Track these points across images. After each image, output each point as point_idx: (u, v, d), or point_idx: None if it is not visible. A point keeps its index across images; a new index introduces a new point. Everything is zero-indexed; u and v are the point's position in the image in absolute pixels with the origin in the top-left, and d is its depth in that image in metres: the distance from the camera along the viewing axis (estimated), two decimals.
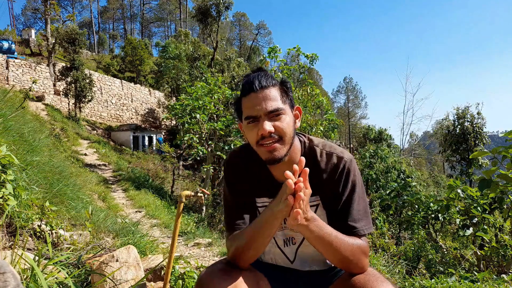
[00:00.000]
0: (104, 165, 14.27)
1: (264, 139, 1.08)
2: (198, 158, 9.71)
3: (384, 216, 9.21)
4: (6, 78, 19.28)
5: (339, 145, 1.28)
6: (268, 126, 1.07)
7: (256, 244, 1.09)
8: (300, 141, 1.23)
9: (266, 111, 1.08)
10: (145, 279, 1.99)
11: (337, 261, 1.07)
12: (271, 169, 1.23)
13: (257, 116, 1.09)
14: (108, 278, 1.69)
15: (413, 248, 5.82)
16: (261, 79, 1.11)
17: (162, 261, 2.38)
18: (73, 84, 19.75)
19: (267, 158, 1.11)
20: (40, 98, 19.75)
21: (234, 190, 1.25)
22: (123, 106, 26.60)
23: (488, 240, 4.44)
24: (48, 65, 21.76)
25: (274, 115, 1.09)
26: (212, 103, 9.00)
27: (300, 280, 1.27)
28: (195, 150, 8.76)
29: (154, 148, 22.29)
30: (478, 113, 19.20)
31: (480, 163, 17.24)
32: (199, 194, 1.85)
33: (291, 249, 1.26)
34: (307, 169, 0.94)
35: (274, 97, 1.10)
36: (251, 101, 1.11)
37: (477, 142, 18.70)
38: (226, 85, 13.44)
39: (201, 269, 2.42)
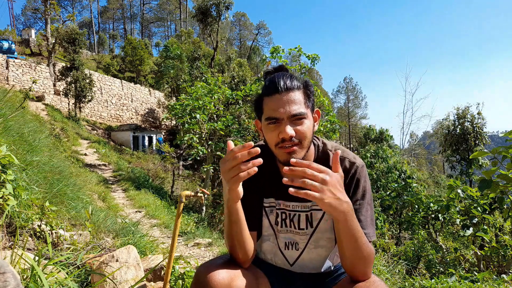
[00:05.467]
0: (104, 165, 14.27)
1: (284, 142, 1.08)
2: (198, 158, 9.69)
3: (385, 216, 9.21)
4: (6, 78, 19.28)
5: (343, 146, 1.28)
6: (290, 130, 1.06)
7: (235, 242, 1.10)
8: (314, 144, 1.23)
9: (289, 115, 1.07)
10: (145, 279, 1.99)
11: (351, 261, 1.03)
12: (282, 171, 1.23)
13: (280, 118, 1.08)
14: (108, 278, 1.69)
15: (413, 248, 5.82)
16: (287, 81, 1.10)
17: (162, 261, 2.37)
18: (73, 84, 19.76)
19: (285, 160, 1.10)
20: (40, 98, 19.75)
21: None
22: (123, 106, 26.60)
23: (488, 240, 4.44)
24: (48, 65, 21.75)
25: (296, 119, 1.08)
26: (212, 103, 9.00)
27: (298, 282, 1.27)
28: (195, 150, 8.76)
29: (154, 148, 22.28)
30: (479, 113, 19.19)
31: (480, 163, 17.23)
32: (199, 194, 1.85)
33: (293, 253, 1.26)
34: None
35: (298, 101, 1.09)
36: (274, 103, 1.09)
37: (477, 142, 18.69)
38: (226, 85, 13.44)
39: None
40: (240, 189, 1.01)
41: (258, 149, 0.91)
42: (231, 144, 0.96)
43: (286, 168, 0.89)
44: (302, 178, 0.88)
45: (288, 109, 1.07)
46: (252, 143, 0.92)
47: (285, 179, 0.88)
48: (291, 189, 0.87)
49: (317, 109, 1.20)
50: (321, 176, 0.89)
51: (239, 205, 1.05)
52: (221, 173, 0.98)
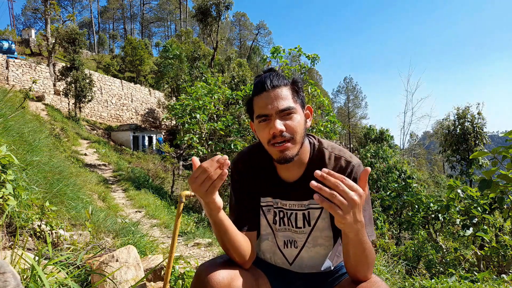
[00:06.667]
0: (104, 165, 14.27)
1: (275, 138, 1.09)
2: (198, 158, 9.68)
3: (385, 216, 9.21)
4: (6, 78, 19.28)
5: (339, 145, 1.28)
6: (279, 125, 1.08)
7: (229, 248, 1.10)
8: (310, 142, 1.23)
9: (277, 110, 1.09)
10: (145, 279, 1.98)
11: (355, 266, 1.03)
12: (278, 169, 1.23)
13: (269, 114, 1.10)
14: (108, 278, 1.69)
15: (413, 248, 5.82)
16: (273, 79, 1.13)
17: (162, 261, 2.37)
18: (73, 84, 19.77)
19: (278, 158, 1.11)
20: (40, 98, 19.76)
21: (238, 189, 1.26)
22: (123, 106, 26.60)
23: (488, 240, 4.44)
24: (48, 65, 21.76)
25: (286, 114, 1.10)
26: (212, 103, 8.99)
27: (298, 281, 1.27)
28: (195, 150, 8.76)
29: (154, 148, 22.28)
30: (479, 113, 19.18)
31: (480, 163, 17.22)
32: None
33: (291, 251, 1.26)
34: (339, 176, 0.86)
35: (285, 96, 1.11)
36: (262, 100, 1.11)
37: (477, 142, 18.68)
38: (226, 85, 13.44)
39: None
40: (218, 199, 1.01)
41: (226, 157, 0.93)
42: (195, 160, 0.98)
43: (318, 172, 0.84)
44: (333, 190, 0.83)
45: (276, 104, 1.09)
46: (219, 155, 0.94)
47: (313, 183, 0.83)
48: (316, 196, 0.84)
49: (308, 105, 1.21)
50: (351, 195, 0.83)
51: (222, 214, 1.05)
52: (192, 191, 0.97)
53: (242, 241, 1.12)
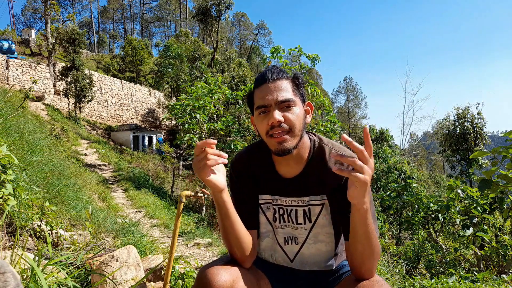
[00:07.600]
0: (104, 165, 14.27)
1: (273, 129, 1.09)
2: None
3: (385, 216, 9.22)
4: (6, 78, 19.28)
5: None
6: (278, 115, 1.09)
7: (230, 239, 1.10)
8: (310, 139, 1.23)
9: (277, 101, 1.10)
10: (145, 279, 1.98)
11: (361, 257, 1.03)
12: (277, 165, 1.23)
13: (268, 105, 1.11)
14: (108, 278, 1.69)
15: (413, 248, 5.82)
16: (274, 72, 1.15)
17: (162, 261, 2.38)
18: (73, 84, 19.77)
19: (276, 149, 1.12)
20: (40, 98, 19.76)
21: (237, 189, 1.26)
22: (123, 106, 26.60)
23: (488, 240, 4.44)
24: (48, 65, 21.76)
25: (285, 106, 1.11)
26: (212, 103, 8.99)
27: (300, 280, 1.27)
28: None
29: (154, 148, 22.28)
30: (479, 113, 19.20)
31: (480, 163, 17.24)
32: (199, 194, 1.86)
33: (292, 248, 1.26)
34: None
35: (285, 88, 1.13)
36: (263, 91, 1.13)
37: (477, 142, 18.70)
38: (226, 85, 13.44)
39: None
40: (217, 178, 1.01)
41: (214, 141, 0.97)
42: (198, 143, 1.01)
43: (345, 136, 0.89)
44: (358, 157, 0.89)
45: (276, 95, 1.11)
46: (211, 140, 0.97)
47: (333, 152, 0.91)
48: (335, 167, 0.90)
49: (308, 101, 1.22)
50: (370, 161, 0.90)
51: (226, 197, 1.05)
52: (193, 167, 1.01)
53: (245, 233, 1.13)
